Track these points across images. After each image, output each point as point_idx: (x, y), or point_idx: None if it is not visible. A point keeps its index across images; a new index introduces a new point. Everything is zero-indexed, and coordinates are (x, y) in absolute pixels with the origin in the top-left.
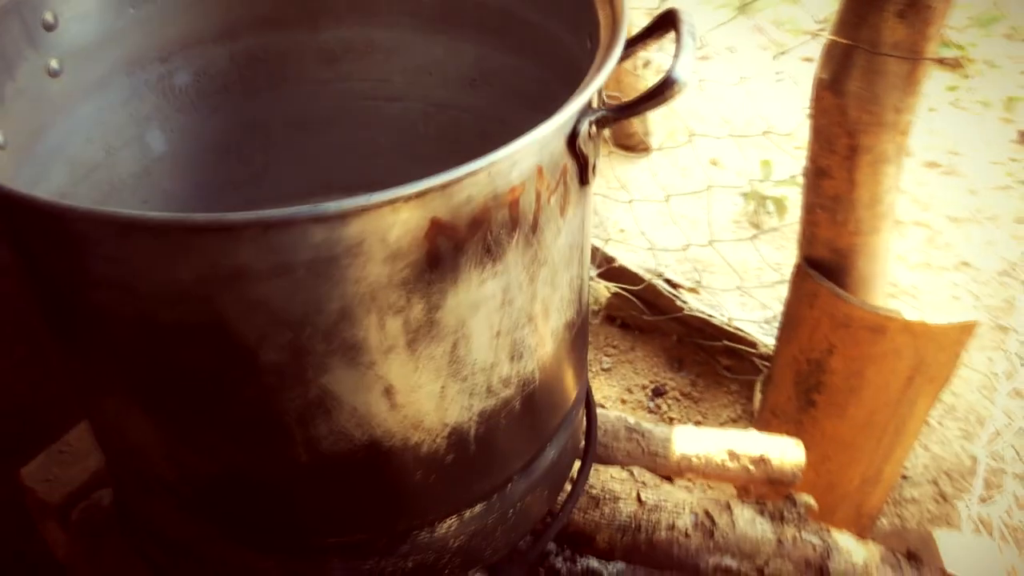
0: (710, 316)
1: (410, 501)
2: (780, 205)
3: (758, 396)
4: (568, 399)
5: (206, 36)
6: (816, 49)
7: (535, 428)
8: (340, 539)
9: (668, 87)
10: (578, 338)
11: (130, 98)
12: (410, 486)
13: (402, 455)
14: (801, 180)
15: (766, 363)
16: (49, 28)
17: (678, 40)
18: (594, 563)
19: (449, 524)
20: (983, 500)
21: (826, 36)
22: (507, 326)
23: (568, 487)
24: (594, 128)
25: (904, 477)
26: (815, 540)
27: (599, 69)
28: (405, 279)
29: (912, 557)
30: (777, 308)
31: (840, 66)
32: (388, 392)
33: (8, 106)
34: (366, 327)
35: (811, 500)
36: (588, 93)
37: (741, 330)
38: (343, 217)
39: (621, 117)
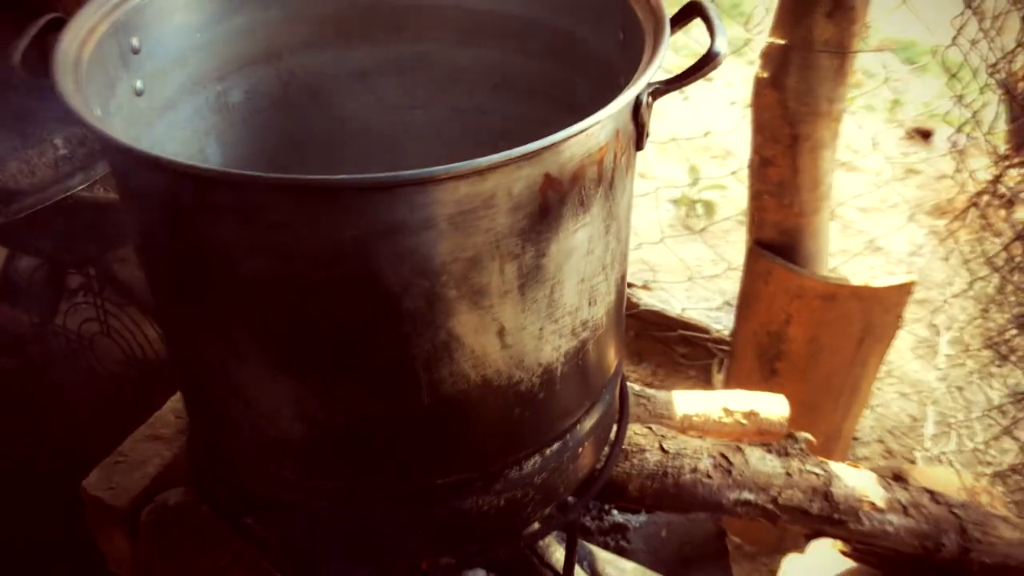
0: (663, 309)
1: (507, 439)
2: (709, 207)
3: (717, 377)
4: (617, 355)
5: (257, 57)
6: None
7: (598, 374)
8: (446, 479)
9: (711, 59)
10: (623, 297)
11: (193, 115)
12: (509, 423)
13: (506, 393)
14: (724, 184)
15: (720, 346)
16: (135, 52)
17: (708, 24)
18: (619, 518)
19: (534, 462)
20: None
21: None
22: (588, 273)
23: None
24: (651, 99)
25: (854, 438)
26: (817, 470)
27: (656, 49)
28: (523, 228)
29: (898, 478)
30: (719, 298)
31: (779, 64)
32: (501, 333)
33: (111, 120)
34: (490, 272)
35: (810, 436)
36: (652, 70)
37: (693, 319)
38: (484, 172)
39: (671, 88)
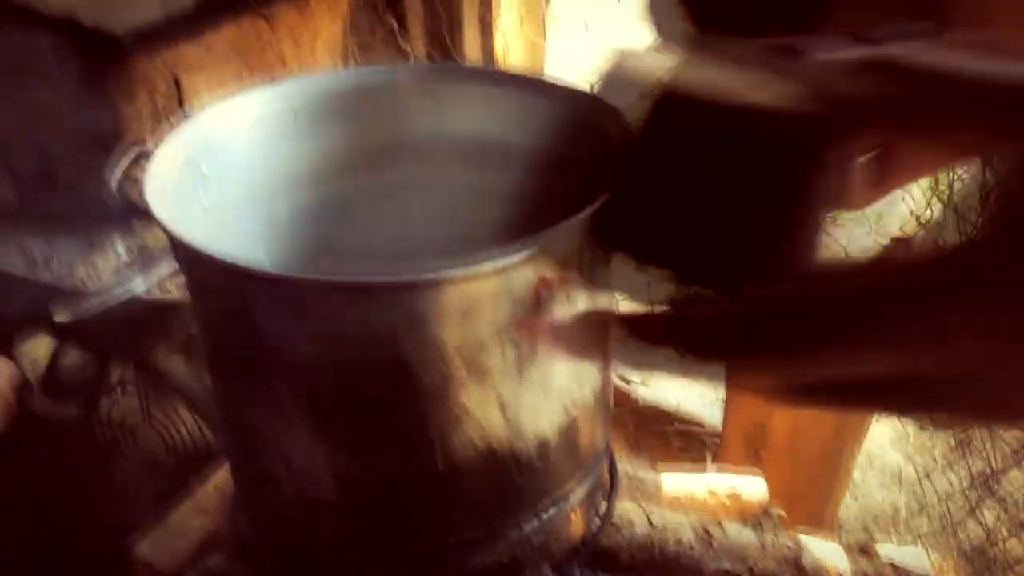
0: (660, 404)
1: (509, 501)
2: None
3: (711, 467)
4: (604, 433)
5: (301, 180)
6: None
7: (588, 449)
8: (456, 538)
9: None
10: (609, 381)
11: (248, 228)
12: (511, 487)
13: (507, 460)
14: None
15: (713, 439)
16: (205, 176)
17: None
18: None
19: (532, 524)
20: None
21: None
22: (573, 360)
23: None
24: None
25: (840, 527)
26: (789, 543)
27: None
28: (520, 319)
29: (865, 552)
30: (713, 394)
31: None
32: (503, 407)
33: (188, 233)
34: (495, 356)
35: (781, 511)
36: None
37: (688, 413)
38: (489, 273)
39: None
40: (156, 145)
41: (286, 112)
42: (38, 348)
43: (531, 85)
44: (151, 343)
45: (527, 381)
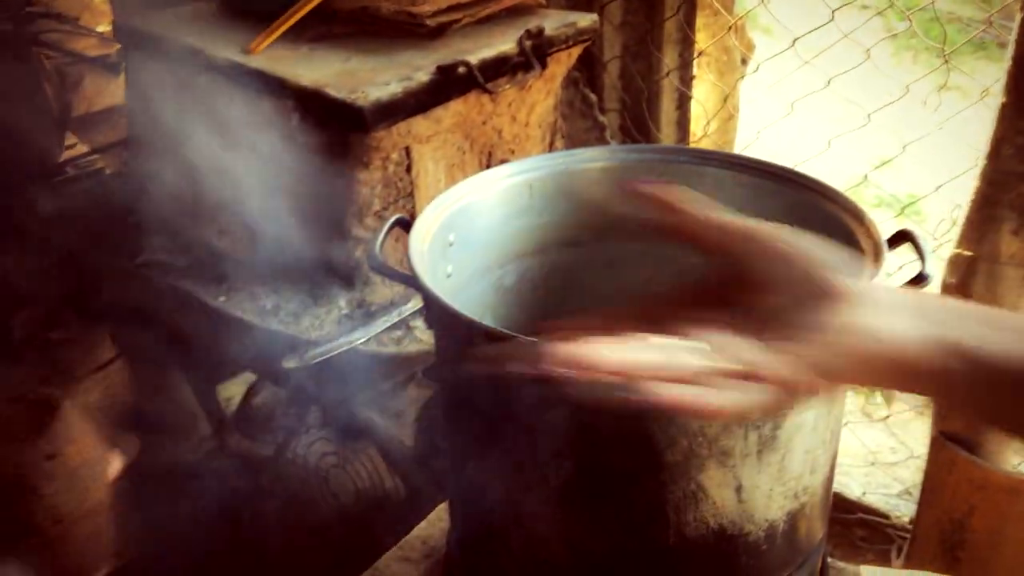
0: (843, 493)
1: None
2: (887, 396)
3: (896, 563)
4: (823, 523)
5: (528, 251)
6: None
7: (809, 537)
8: None
9: (922, 280)
10: (834, 470)
11: (479, 294)
12: (735, 569)
13: (736, 542)
14: None
15: (899, 533)
16: (451, 245)
17: (918, 250)
18: None
19: None
20: None
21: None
22: (811, 445)
23: None
24: None
25: None
26: None
27: (876, 267)
28: None
29: None
30: (899, 486)
31: (965, 274)
32: (739, 489)
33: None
34: (736, 438)
35: None
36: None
37: (872, 504)
38: None
39: None
40: (403, 213)
41: (522, 187)
42: (234, 387)
43: (765, 171)
44: (354, 392)
45: (765, 464)
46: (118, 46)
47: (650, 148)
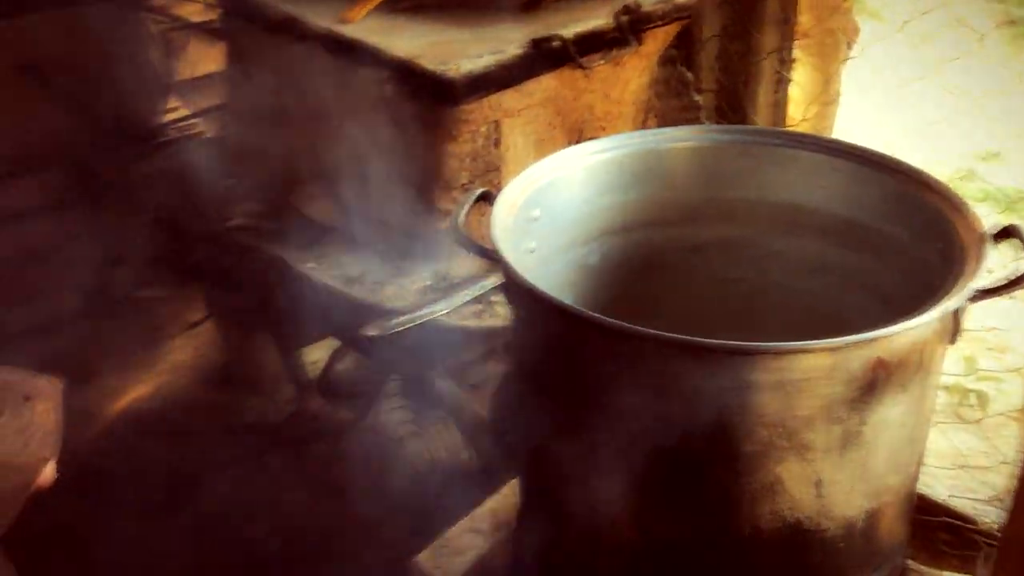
0: (928, 494)
1: None
2: (982, 399)
3: (981, 571)
4: (904, 526)
5: (614, 229)
6: None
7: (888, 539)
8: None
9: None
10: (918, 472)
11: (561, 271)
12: (809, 565)
13: (811, 537)
14: (1000, 376)
15: (987, 540)
16: (535, 220)
17: None
18: None
19: None
20: None
21: None
22: (897, 444)
23: None
24: (968, 303)
25: None
26: None
27: (979, 262)
28: (851, 398)
29: None
30: (989, 491)
31: None
32: (818, 484)
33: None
34: (818, 431)
35: None
36: (976, 280)
37: (959, 508)
38: (835, 349)
39: (989, 296)
40: (489, 187)
41: (612, 165)
42: (317, 352)
43: (864, 158)
44: (432, 363)
45: (847, 461)
46: (221, 12)
47: (743, 129)
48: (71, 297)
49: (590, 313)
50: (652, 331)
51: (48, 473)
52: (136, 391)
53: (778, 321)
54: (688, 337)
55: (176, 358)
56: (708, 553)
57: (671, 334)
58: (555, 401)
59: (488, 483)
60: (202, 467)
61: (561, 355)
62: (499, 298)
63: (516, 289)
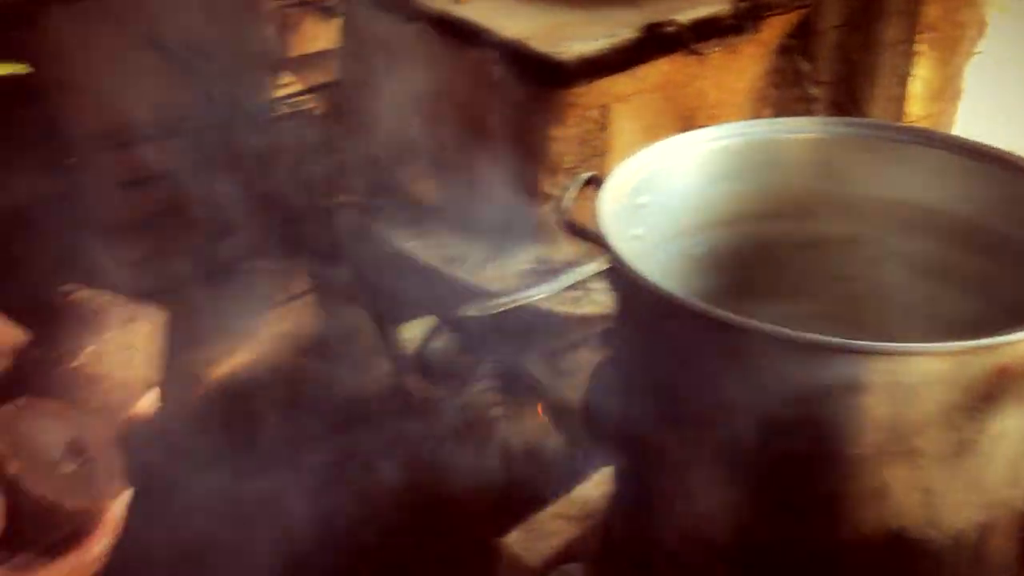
0: None
1: None
2: None
3: None
4: (1019, 543)
5: (722, 220)
6: None
7: (1001, 556)
8: None
9: None
10: None
11: (664, 261)
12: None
13: (916, 547)
14: None
15: None
16: (642, 207)
17: None
18: None
19: None
20: None
21: None
22: (1014, 457)
23: None
24: None
25: None
26: None
27: None
28: (968, 406)
29: None
30: None
31: None
32: (927, 493)
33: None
34: (931, 438)
35: None
36: None
37: None
38: (956, 354)
39: None
40: (595, 172)
41: (723, 153)
42: (413, 330)
43: (993, 157)
44: (526, 348)
45: (960, 471)
46: None
47: (865, 123)
48: (181, 262)
49: (700, 304)
50: (764, 325)
51: (151, 400)
52: (238, 358)
53: (892, 324)
54: (801, 333)
55: (277, 329)
56: (806, 556)
57: (783, 329)
58: (656, 392)
59: (577, 470)
60: (298, 437)
61: (665, 345)
62: (598, 285)
63: (622, 276)
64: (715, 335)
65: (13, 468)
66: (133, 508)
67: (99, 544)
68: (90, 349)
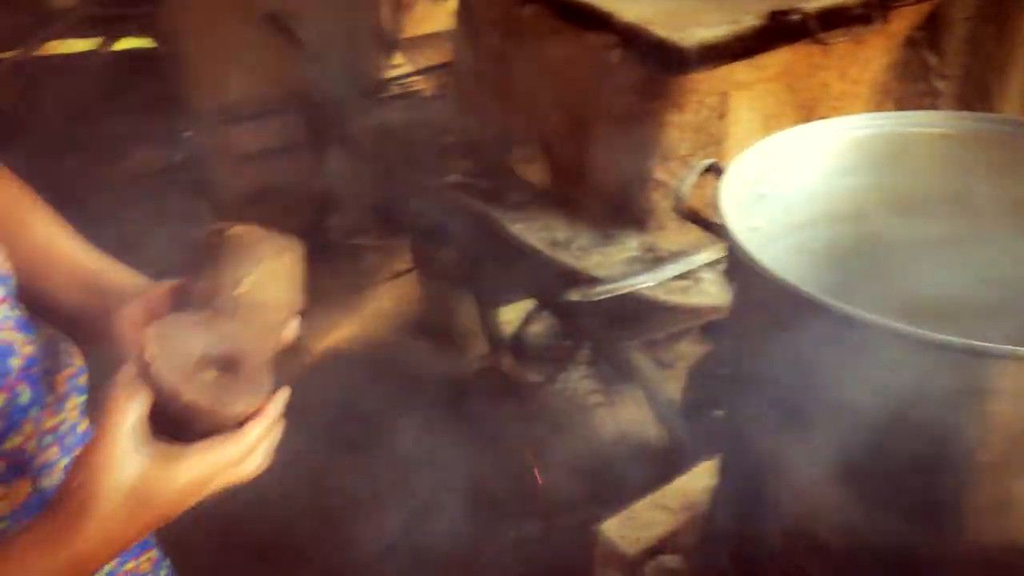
0: None
1: None
2: None
3: None
4: None
5: (844, 214)
6: None
7: None
8: None
9: None
10: None
11: (782, 253)
12: None
13: None
14: None
15: None
16: (762, 198)
17: None
18: None
19: None
20: None
21: None
22: None
23: None
24: None
25: None
26: None
27: None
28: None
29: None
30: None
31: None
32: None
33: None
34: None
35: None
36: None
37: None
38: None
39: None
40: (714, 160)
41: (850, 146)
42: (513, 312)
43: None
44: (629, 335)
45: None
46: None
47: (1002, 119)
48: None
49: (827, 300)
50: (892, 323)
51: (294, 328)
52: (341, 332)
53: (1018, 328)
54: (930, 333)
55: (379, 305)
56: (916, 563)
57: (912, 328)
58: (770, 387)
59: (677, 461)
60: (395, 409)
61: (784, 339)
62: (708, 275)
63: (742, 267)
64: (840, 331)
65: (165, 373)
66: None
67: (253, 436)
68: (250, 278)
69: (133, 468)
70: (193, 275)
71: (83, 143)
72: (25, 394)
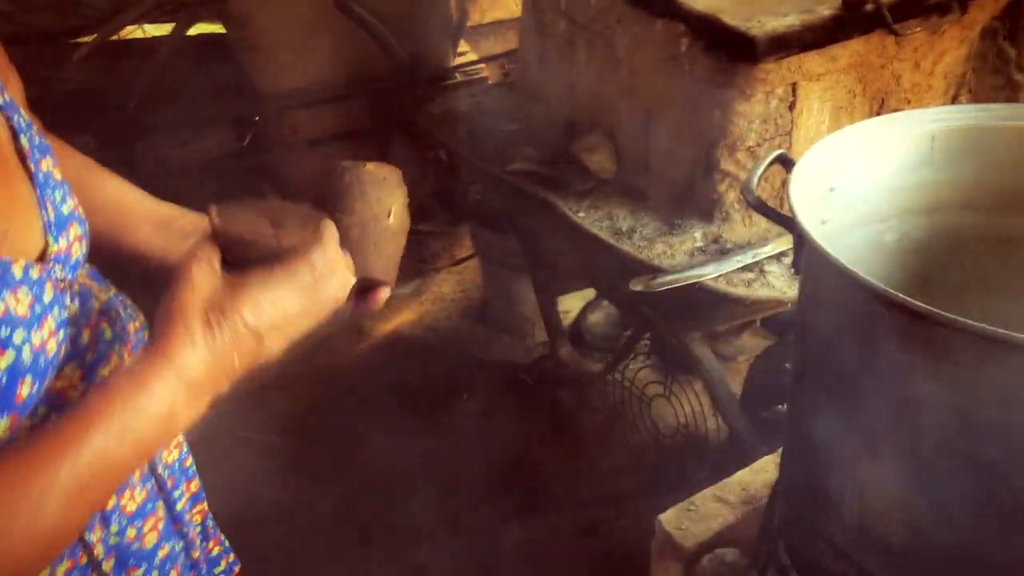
0: None
1: None
2: None
3: None
4: None
5: (916, 208)
6: None
7: None
8: None
9: None
10: None
11: (852, 247)
12: None
13: None
14: None
15: None
16: (831, 191)
17: None
18: None
19: None
20: None
21: None
22: None
23: None
24: None
25: None
26: None
27: None
28: None
29: None
30: None
31: None
32: None
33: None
34: None
35: None
36: None
37: None
38: None
39: None
40: (783, 151)
41: (924, 138)
42: (572, 301)
43: None
44: (691, 327)
45: None
46: None
47: None
48: None
49: (902, 296)
50: (967, 321)
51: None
52: (402, 316)
53: None
54: (1009, 332)
55: (440, 290)
56: (981, 565)
57: (989, 327)
58: (838, 382)
59: (734, 456)
60: (453, 392)
61: (853, 334)
62: (773, 268)
63: (811, 260)
64: (914, 329)
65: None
66: None
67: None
68: (396, 207)
69: (211, 285)
70: (331, 206)
71: (155, 126)
72: (107, 331)
